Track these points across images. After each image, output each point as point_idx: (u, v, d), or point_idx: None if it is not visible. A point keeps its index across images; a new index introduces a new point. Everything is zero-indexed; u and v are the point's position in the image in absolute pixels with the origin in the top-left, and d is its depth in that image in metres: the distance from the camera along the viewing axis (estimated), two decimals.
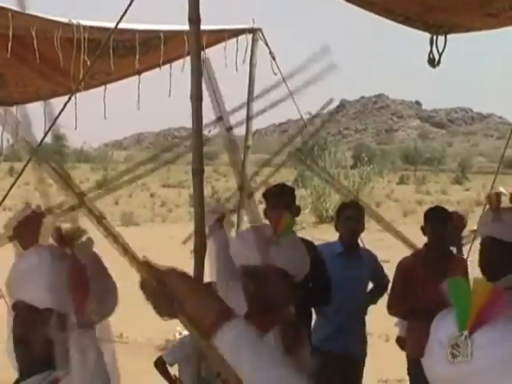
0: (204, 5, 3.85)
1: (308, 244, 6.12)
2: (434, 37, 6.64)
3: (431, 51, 6.63)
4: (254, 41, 8.49)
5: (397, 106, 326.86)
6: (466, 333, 1.90)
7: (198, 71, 3.92)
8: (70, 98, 6.01)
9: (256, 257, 4.30)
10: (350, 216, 7.61)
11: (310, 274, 4.59)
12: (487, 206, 6.00)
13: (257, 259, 4.31)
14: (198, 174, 3.94)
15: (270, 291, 4.31)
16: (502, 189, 8.02)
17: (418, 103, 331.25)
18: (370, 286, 8.18)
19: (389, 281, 7.88)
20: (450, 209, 7.87)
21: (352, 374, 7.86)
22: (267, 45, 8.52)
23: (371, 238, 11.11)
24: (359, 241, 8.06)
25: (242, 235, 4.92)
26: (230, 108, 6.67)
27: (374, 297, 8.16)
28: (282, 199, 6.76)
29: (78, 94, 7.12)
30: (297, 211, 6.95)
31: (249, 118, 8.56)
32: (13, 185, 6.48)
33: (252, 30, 8.45)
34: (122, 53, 7.18)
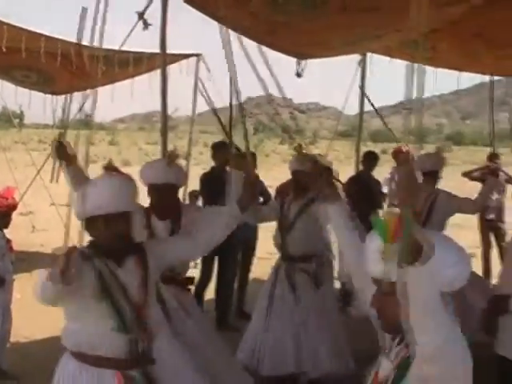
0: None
1: None
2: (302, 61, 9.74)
3: (298, 68, 9.71)
4: (197, 62, 11.99)
5: None
6: (388, 244, 2.59)
7: (164, 80, 7.46)
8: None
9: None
10: None
11: None
12: None
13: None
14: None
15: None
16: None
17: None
18: None
19: None
20: None
21: None
22: (206, 66, 11.99)
23: None
24: None
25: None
26: None
27: None
28: None
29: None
30: None
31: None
32: None
33: (197, 55, 11.98)
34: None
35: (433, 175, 8.61)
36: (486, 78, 12.68)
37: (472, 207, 8.56)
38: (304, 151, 6.22)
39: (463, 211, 8.53)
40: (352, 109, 12.76)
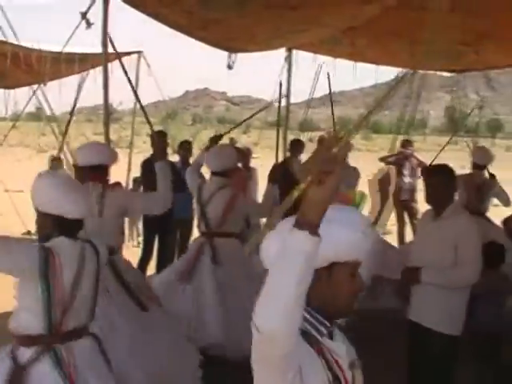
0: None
1: None
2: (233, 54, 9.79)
3: (229, 61, 9.78)
4: (138, 58, 11.90)
5: None
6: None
7: (106, 76, 7.44)
8: None
9: None
10: None
11: None
12: None
13: None
14: None
15: None
16: None
17: None
18: None
19: None
20: None
21: None
22: (147, 63, 11.95)
23: None
24: None
25: None
26: None
27: None
28: None
29: None
30: None
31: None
32: None
33: (138, 52, 11.89)
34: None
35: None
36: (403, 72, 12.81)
37: None
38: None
39: None
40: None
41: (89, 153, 6.27)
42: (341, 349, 2.52)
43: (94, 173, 6.14)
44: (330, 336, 2.53)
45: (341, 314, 2.57)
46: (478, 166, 9.46)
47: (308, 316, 2.45)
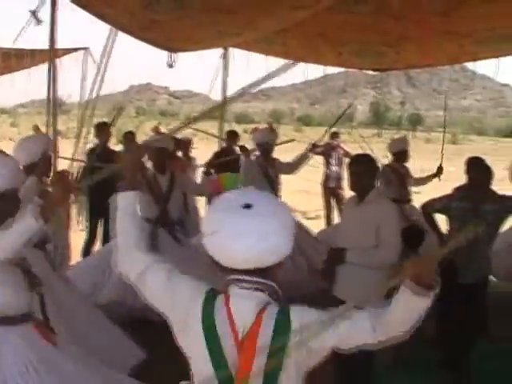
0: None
1: None
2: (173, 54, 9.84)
3: (169, 60, 9.93)
4: (85, 54, 11.79)
5: None
6: None
7: (54, 70, 7.34)
8: None
9: None
10: None
11: None
12: None
13: None
14: None
15: None
16: None
17: None
18: None
19: None
20: None
21: None
22: (93, 58, 11.81)
23: None
24: None
25: None
26: None
27: None
28: None
29: None
30: None
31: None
32: None
33: (84, 48, 11.77)
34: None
35: (266, 147, 8.99)
36: (331, 70, 12.97)
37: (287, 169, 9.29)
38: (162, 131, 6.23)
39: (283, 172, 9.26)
40: (218, 95, 12.80)
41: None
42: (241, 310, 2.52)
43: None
44: None
45: None
46: (397, 156, 9.60)
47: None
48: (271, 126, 10.93)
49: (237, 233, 2.45)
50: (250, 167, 9.29)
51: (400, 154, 9.54)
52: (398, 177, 9.37)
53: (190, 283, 2.63)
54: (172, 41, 9.03)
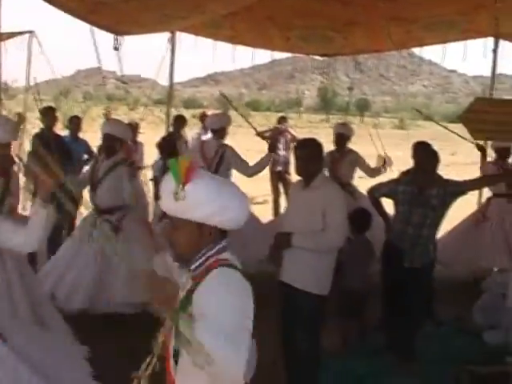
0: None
1: None
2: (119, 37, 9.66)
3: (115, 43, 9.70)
4: (30, 38, 11.57)
5: None
6: (180, 186, 2.72)
7: None
8: None
9: None
10: None
11: None
12: None
13: None
14: None
15: None
16: None
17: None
18: None
19: None
20: None
21: None
22: (39, 42, 11.59)
23: None
24: None
25: None
26: None
27: None
28: None
29: None
30: None
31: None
32: None
33: (30, 32, 11.55)
34: None
35: (220, 132, 8.73)
36: (279, 55, 12.95)
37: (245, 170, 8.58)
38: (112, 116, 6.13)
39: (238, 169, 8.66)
40: (166, 79, 12.64)
41: None
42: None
43: None
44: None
45: None
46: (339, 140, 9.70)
47: None
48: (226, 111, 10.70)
49: None
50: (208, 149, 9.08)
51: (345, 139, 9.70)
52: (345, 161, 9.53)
53: None
54: (118, 24, 8.88)
